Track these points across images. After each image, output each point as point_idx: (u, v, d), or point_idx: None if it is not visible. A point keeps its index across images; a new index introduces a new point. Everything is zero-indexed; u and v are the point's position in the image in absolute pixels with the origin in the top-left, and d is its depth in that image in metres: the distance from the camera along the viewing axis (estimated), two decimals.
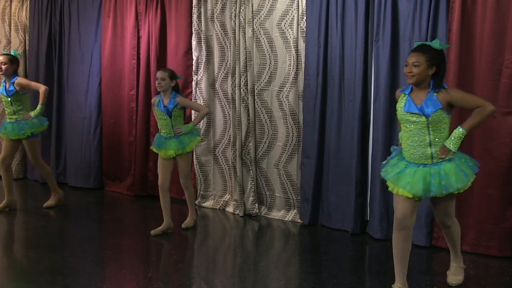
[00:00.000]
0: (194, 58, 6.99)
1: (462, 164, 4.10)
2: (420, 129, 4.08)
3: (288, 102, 6.41)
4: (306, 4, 6.20)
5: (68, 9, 8.02)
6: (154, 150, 6.00)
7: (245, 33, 6.57)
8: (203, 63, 6.94)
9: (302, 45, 6.29)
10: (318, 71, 6.13)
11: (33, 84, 6.84)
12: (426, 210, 5.42)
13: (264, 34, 6.50)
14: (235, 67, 6.65)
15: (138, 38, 7.44)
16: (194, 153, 7.07)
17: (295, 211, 6.49)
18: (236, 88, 6.63)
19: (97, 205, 7.47)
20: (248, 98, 6.60)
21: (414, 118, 4.08)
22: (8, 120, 6.74)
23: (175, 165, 6.01)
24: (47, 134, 8.31)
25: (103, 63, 7.78)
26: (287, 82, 6.39)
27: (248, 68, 6.56)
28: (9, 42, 8.62)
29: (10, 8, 8.57)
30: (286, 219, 6.52)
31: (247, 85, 6.59)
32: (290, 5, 6.33)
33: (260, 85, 6.57)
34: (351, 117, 5.96)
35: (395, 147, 4.42)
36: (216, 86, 6.93)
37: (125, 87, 7.59)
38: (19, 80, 6.65)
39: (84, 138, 7.99)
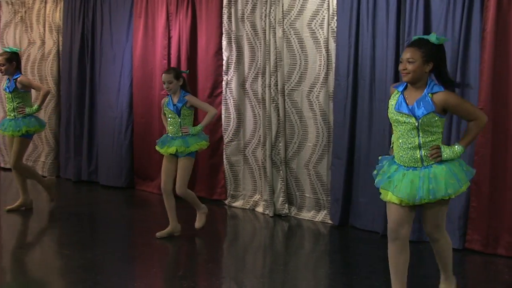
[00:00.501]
0: (224, 58, 6.97)
1: (455, 167, 3.76)
2: (409, 131, 3.74)
3: (318, 102, 6.34)
4: (337, 4, 6.13)
5: (100, 10, 8.07)
6: (157, 148, 5.82)
7: (275, 33, 6.52)
8: (233, 63, 6.92)
9: (332, 45, 6.23)
10: (349, 71, 6.06)
11: (35, 84, 6.75)
12: (459, 213, 5.32)
13: (294, 34, 6.44)
14: (265, 67, 6.62)
15: (169, 38, 7.45)
16: (224, 154, 7.05)
17: (325, 211, 6.42)
18: (266, 88, 6.59)
19: (128, 204, 7.49)
20: (278, 98, 6.55)
21: (404, 119, 3.74)
22: (7, 117, 6.66)
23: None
24: (79, 134, 8.38)
25: (134, 63, 7.81)
26: (318, 82, 6.33)
27: (278, 68, 6.52)
28: (43, 43, 8.71)
29: (45, 9, 8.66)
30: (316, 219, 6.46)
31: (277, 85, 6.54)
32: (320, 5, 6.27)
33: (290, 85, 6.52)
34: (382, 118, 5.87)
35: (385, 156, 4.08)
36: (246, 86, 6.90)
37: (156, 87, 7.60)
38: (21, 78, 6.51)
39: (115, 137, 8.02)
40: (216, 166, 7.19)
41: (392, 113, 3.80)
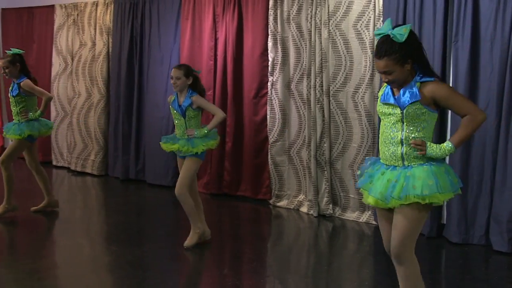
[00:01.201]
0: (270, 59, 6.96)
1: (438, 171, 3.28)
2: (393, 123, 3.35)
3: (363, 103, 6.28)
4: (383, 5, 6.06)
5: (149, 13, 8.16)
6: (161, 144, 5.51)
7: (321, 34, 6.48)
8: (278, 64, 6.90)
9: None
10: None
11: (38, 89, 6.43)
12: (508, 216, 5.19)
13: (340, 35, 6.39)
14: (310, 68, 6.58)
15: (216, 39, 7.48)
16: (269, 154, 7.04)
17: (369, 212, 6.35)
18: (312, 89, 6.56)
19: (174, 203, 7.53)
20: (323, 99, 6.51)
21: (390, 110, 3.36)
22: (13, 120, 6.49)
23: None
24: (127, 133, 8.47)
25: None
26: (363, 83, 6.27)
27: (323, 69, 6.47)
28: (93, 44, 8.85)
29: (96, 12, 8.80)
30: (360, 220, 6.39)
31: (322, 86, 6.50)
32: (366, 6, 6.20)
33: (335, 86, 6.47)
34: None
35: (371, 157, 3.70)
36: (292, 87, 6.87)
37: None
38: (25, 82, 6.30)
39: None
40: (261, 166, 7.19)
41: (379, 106, 3.45)
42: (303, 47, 6.72)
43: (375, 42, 6.10)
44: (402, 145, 3.32)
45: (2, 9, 10.30)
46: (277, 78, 6.93)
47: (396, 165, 3.36)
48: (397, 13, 5.92)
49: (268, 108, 7.05)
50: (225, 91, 7.41)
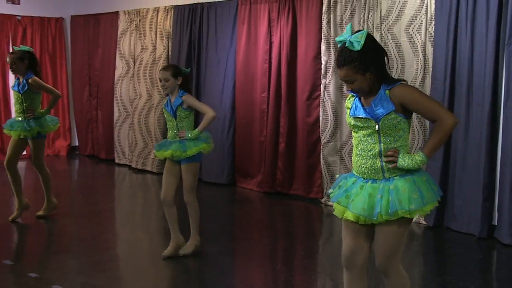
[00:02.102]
0: (323, 62, 6.94)
1: (421, 182, 3.03)
2: (369, 136, 3.05)
3: None
4: (435, 9, 5.96)
5: (207, 18, 8.25)
6: (155, 152, 5.16)
7: None
8: (331, 67, 6.88)
9: (429, 50, 6.06)
10: (446, 75, 5.87)
11: (47, 87, 6.25)
12: None
13: (391, 38, 6.32)
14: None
15: (270, 43, 7.51)
16: (321, 154, 7.02)
17: None
18: None
19: (229, 200, 7.62)
20: None
21: (362, 123, 3.06)
22: (16, 118, 6.18)
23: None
24: None
25: (237, 67, 7.92)
26: (414, 85, 6.17)
27: None
28: (154, 48, 9.01)
29: (157, 18, 8.96)
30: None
31: None
32: (418, 10, 6.12)
33: None
34: (479, 121, 5.66)
35: (342, 174, 3.34)
36: (344, 89, 6.84)
37: (257, 90, 7.68)
38: (33, 79, 6.01)
39: (218, 137, 8.16)
40: (313, 166, 7.17)
41: (349, 118, 3.14)
42: None
43: (427, 46, 6.05)
44: (380, 157, 3.05)
45: (72, 16, 10.60)
46: (329, 80, 6.91)
47: (376, 178, 3.07)
48: (449, 16, 5.82)
49: (321, 110, 7.03)
50: (279, 93, 7.43)
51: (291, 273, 4.89)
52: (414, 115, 6.12)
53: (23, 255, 5.46)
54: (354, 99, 3.14)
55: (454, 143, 5.91)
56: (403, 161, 3.00)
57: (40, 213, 6.30)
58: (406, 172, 3.03)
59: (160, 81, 4.93)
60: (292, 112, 7.33)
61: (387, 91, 3.02)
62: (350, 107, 3.15)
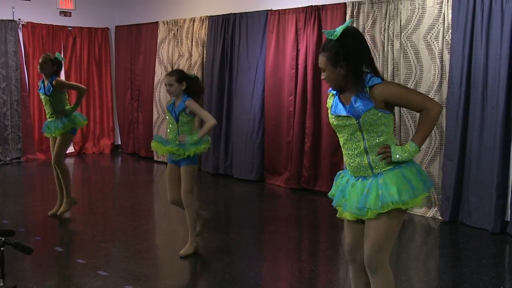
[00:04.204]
0: None
1: (410, 173, 2.83)
2: (352, 134, 2.87)
3: None
4: (452, 18, 5.88)
5: (239, 27, 8.27)
6: (152, 145, 4.93)
7: (393, 45, 6.38)
8: None
9: (446, 56, 5.99)
10: (462, 80, 5.79)
11: (70, 84, 6.08)
12: None
13: (411, 46, 6.26)
14: (383, 76, 6.47)
15: (297, 50, 7.49)
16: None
17: (436, 208, 6.19)
18: None
19: (258, 196, 7.62)
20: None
21: (344, 121, 2.86)
22: (48, 119, 6.07)
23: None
24: (217, 133, 8.62)
25: (266, 72, 7.93)
26: (432, 90, 6.11)
27: (395, 77, 6.36)
28: (190, 55, 9.06)
29: (193, 27, 9.01)
30: (427, 215, 6.23)
31: None
32: (436, 19, 6.05)
33: None
34: (493, 124, 5.57)
35: (341, 171, 3.16)
36: None
37: (285, 93, 7.67)
38: (56, 79, 5.92)
39: (248, 137, 8.18)
40: (336, 164, 7.12)
41: (331, 118, 2.95)
42: (376, 57, 6.62)
43: (444, 53, 5.98)
44: (367, 154, 2.86)
45: (116, 26, 10.72)
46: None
47: (365, 175, 2.89)
48: (465, 25, 5.74)
49: None
50: (305, 97, 7.41)
51: (316, 263, 4.88)
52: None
53: (72, 243, 5.55)
54: (334, 98, 2.95)
55: (469, 143, 5.82)
56: (397, 154, 2.82)
57: (61, 209, 6.08)
58: (395, 165, 2.84)
59: (166, 85, 4.80)
60: (317, 114, 7.30)
61: (366, 89, 2.81)
62: (330, 106, 2.96)
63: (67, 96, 6.12)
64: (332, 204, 3.08)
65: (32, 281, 4.33)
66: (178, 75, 4.75)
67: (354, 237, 3.01)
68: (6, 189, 7.70)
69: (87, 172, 9.18)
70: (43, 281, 4.33)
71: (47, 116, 6.09)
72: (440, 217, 6.10)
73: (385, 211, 2.79)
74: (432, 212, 6.21)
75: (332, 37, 2.78)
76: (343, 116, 2.86)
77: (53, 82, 5.91)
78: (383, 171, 2.85)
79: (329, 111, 2.97)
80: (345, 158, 2.97)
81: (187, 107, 4.72)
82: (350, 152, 2.92)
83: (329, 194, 3.13)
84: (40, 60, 5.98)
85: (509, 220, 5.57)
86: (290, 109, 7.61)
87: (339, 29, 2.77)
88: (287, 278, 4.60)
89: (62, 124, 5.95)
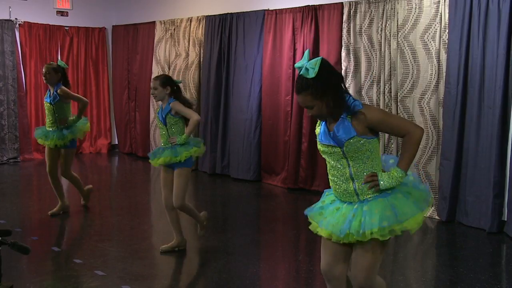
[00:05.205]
0: (343, 68, 6.90)
1: (396, 200, 2.80)
2: (337, 161, 2.87)
3: (429, 108, 6.13)
4: (449, 18, 5.89)
5: (235, 27, 8.26)
6: (150, 161, 5.01)
7: (390, 45, 6.38)
8: (351, 72, 6.83)
9: (443, 56, 5.99)
10: (459, 79, 5.80)
11: (74, 95, 6.15)
12: None
13: (407, 46, 6.26)
14: (380, 76, 6.48)
15: (294, 50, 7.49)
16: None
17: (433, 208, 6.19)
18: (381, 95, 6.46)
19: (255, 195, 7.62)
20: (391, 104, 6.40)
21: (330, 149, 2.88)
22: (47, 128, 6.09)
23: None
24: (214, 133, 8.61)
25: (263, 72, 7.92)
26: (428, 90, 6.12)
27: (392, 77, 6.37)
28: (187, 55, 9.05)
29: (190, 27, 9.00)
30: (424, 215, 6.22)
31: (391, 92, 6.40)
32: (433, 19, 6.05)
33: (403, 92, 6.34)
34: (490, 123, 5.58)
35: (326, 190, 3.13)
36: (363, 93, 6.79)
37: (282, 93, 7.67)
38: (61, 88, 5.95)
39: (245, 136, 8.18)
40: None
41: (319, 145, 2.96)
42: (373, 57, 6.62)
43: (441, 53, 5.98)
44: (352, 181, 2.86)
45: (113, 26, 10.70)
46: (349, 85, 6.87)
47: (351, 201, 2.88)
48: (462, 25, 5.74)
49: None
50: None
51: (312, 263, 4.88)
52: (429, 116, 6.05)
53: (69, 243, 5.54)
54: (322, 124, 2.95)
55: (466, 143, 5.83)
56: (384, 181, 2.80)
57: (83, 202, 6.51)
58: (380, 193, 2.83)
59: (151, 89, 4.91)
60: None
61: (348, 117, 2.81)
62: (318, 134, 2.97)
63: (70, 108, 6.15)
64: (305, 213, 3.07)
65: (29, 281, 4.32)
66: (163, 80, 4.85)
67: (330, 255, 2.98)
68: (3, 189, 7.67)
69: (84, 172, 9.15)
70: (40, 281, 4.32)
71: (47, 124, 6.09)
72: (437, 217, 6.10)
73: (366, 240, 2.78)
74: (429, 212, 6.21)
75: (308, 76, 2.76)
76: (327, 144, 2.88)
77: (58, 91, 5.94)
78: (369, 198, 2.84)
79: (317, 138, 2.98)
80: (331, 183, 2.96)
81: (172, 109, 4.82)
82: (336, 178, 2.92)
83: (310, 208, 3.09)
84: (44, 71, 5.98)
85: (506, 219, 5.58)
86: (287, 109, 7.60)
87: (315, 67, 2.76)
88: (284, 278, 4.60)
89: (62, 135, 5.99)
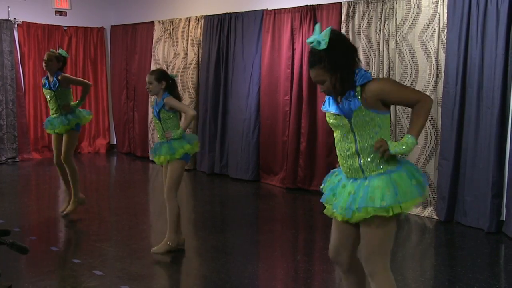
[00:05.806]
0: None
1: (399, 178, 2.74)
2: (345, 135, 2.81)
3: None
4: (447, 17, 5.89)
5: (234, 26, 8.25)
6: (153, 158, 5.01)
7: (388, 45, 6.38)
8: None
9: (442, 56, 5.99)
10: (457, 79, 5.80)
11: (76, 79, 6.15)
12: None
13: (406, 46, 6.26)
14: (378, 76, 6.48)
15: (293, 50, 7.49)
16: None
17: (431, 208, 6.19)
18: None
19: (254, 195, 7.62)
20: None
21: (338, 121, 2.81)
22: (52, 115, 6.02)
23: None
24: (213, 133, 8.60)
25: (262, 72, 7.92)
26: (427, 89, 6.11)
27: (390, 76, 6.36)
28: (186, 55, 9.04)
29: (188, 27, 8.99)
30: (423, 215, 6.24)
31: None
32: (431, 19, 6.05)
33: None
34: (489, 123, 5.58)
35: (335, 169, 3.09)
36: None
37: (281, 93, 7.66)
38: (62, 75, 5.88)
39: (244, 136, 8.17)
40: (332, 164, 7.06)
41: (327, 117, 2.90)
42: (372, 57, 6.62)
43: (440, 53, 5.98)
44: (358, 156, 2.79)
45: (112, 26, 10.70)
46: None
47: (356, 177, 2.83)
48: (461, 25, 5.74)
49: None
50: (300, 96, 7.41)
51: (311, 263, 4.88)
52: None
53: (67, 243, 5.53)
54: (328, 97, 2.91)
55: (465, 143, 5.83)
56: (394, 147, 2.73)
57: (69, 208, 6.07)
58: (385, 170, 2.77)
59: (146, 83, 4.91)
60: (313, 114, 7.30)
61: (358, 88, 2.73)
62: (324, 104, 2.93)
63: (71, 93, 6.09)
64: (321, 200, 3.03)
65: (27, 281, 4.31)
66: (158, 74, 4.86)
67: (340, 238, 2.96)
68: (1, 189, 7.66)
69: (82, 171, 9.13)
70: (39, 281, 4.31)
71: (51, 113, 6.03)
72: (435, 217, 6.10)
73: (369, 217, 2.73)
74: (428, 212, 6.21)
75: (320, 48, 2.70)
76: (335, 114, 2.81)
77: (59, 77, 5.87)
78: (373, 174, 2.79)
79: (323, 108, 2.94)
80: (339, 159, 2.91)
81: (166, 104, 4.80)
82: (342, 153, 2.87)
83: (321, 187, 3.08)
84: (45, 58, 5.91)
85: (504, 219, 5.58)
86: (286, 109, 7.60)
87: (325, 38, 2.69)
88: (283, 277, 4.59)
89: (67, 120, 5.92)
